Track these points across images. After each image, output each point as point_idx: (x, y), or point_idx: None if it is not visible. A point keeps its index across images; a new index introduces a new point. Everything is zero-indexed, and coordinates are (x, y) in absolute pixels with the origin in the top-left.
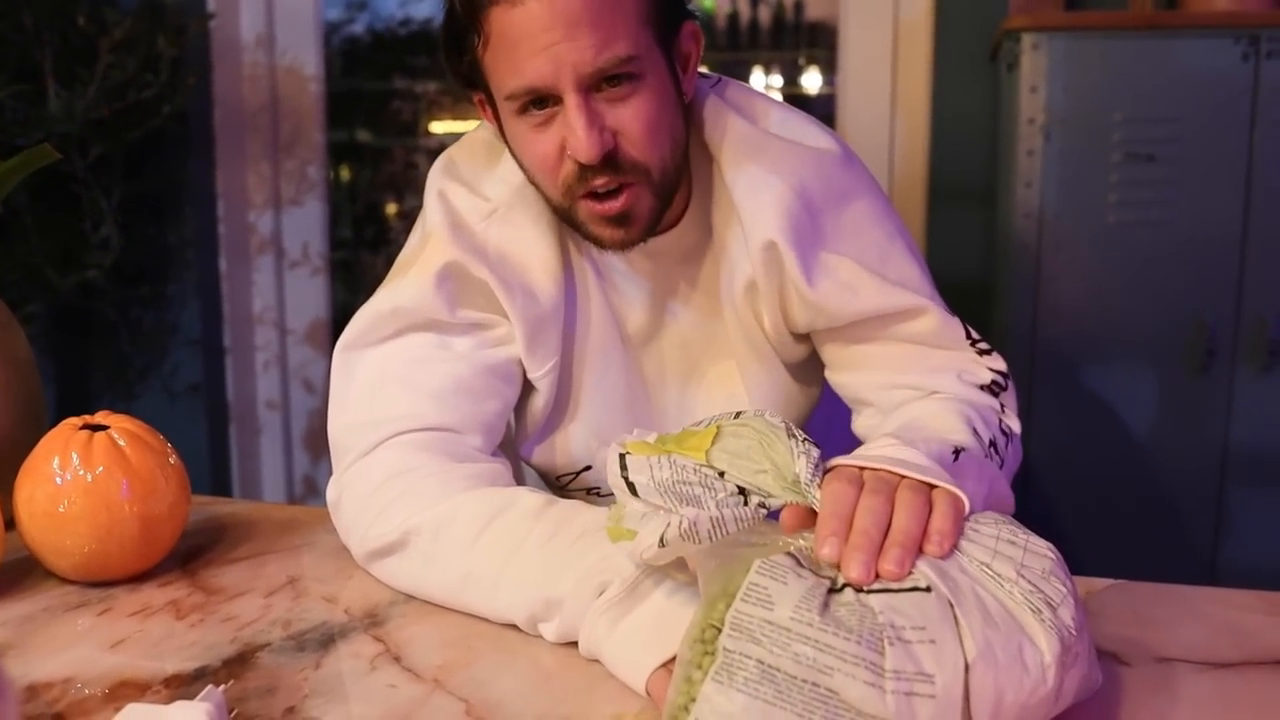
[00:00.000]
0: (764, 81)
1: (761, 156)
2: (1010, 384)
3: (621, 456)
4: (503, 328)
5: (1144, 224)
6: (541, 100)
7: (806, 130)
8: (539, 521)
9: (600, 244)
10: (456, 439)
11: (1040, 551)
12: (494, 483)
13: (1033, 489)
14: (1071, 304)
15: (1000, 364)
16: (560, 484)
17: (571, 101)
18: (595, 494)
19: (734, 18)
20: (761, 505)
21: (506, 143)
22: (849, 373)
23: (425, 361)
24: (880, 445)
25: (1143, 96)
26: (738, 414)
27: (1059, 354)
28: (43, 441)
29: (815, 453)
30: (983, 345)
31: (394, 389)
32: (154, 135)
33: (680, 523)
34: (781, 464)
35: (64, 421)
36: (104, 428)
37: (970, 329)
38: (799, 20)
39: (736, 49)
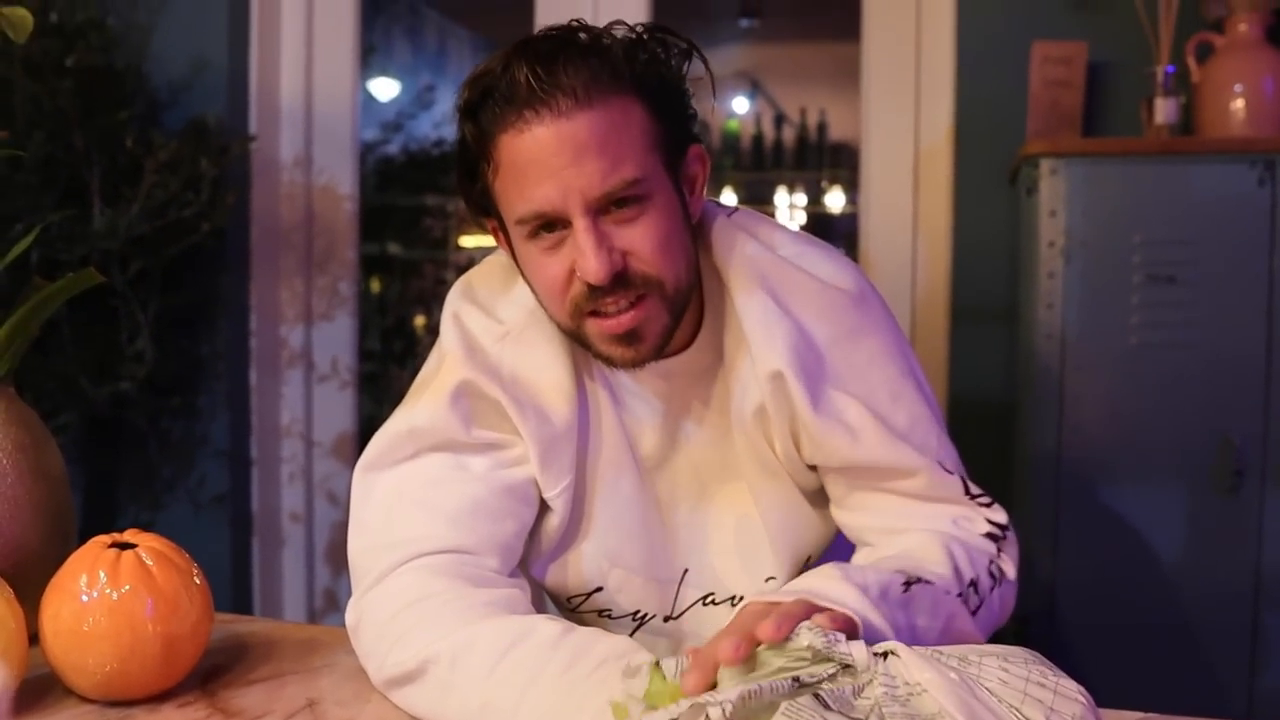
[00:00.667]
0: (788, 200)
1: (772, 283)
2: (1010, 535)
3: None
4: (518, 448)
5: (1167, 345)
6: (551, 224)
7: (823, 262)
8: (557, 651)
9: (611, 363)
10: (473, 561)
11: (1070, 695)
12: (512, 608)
13: (1058, 613)
14: (1096, 425)
15: (1000, 516)
16: (571, 605)
17: (580, 225)
18: (607, 616)
19: (759, 139)
20: (795, 679)
21: (518, 266)
22: (849, 513)
23: (442, 483)
24: (817, 573)
25: (1161, 220)
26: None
27: (1084, 475)
28: (71, 559)
29: (814, 627)
30: (983, 499)
31: (411, 510)
32: (192, 250)
33: (725, 708)
34: (790, 652)
35: (93, 539)
36: (132, 546)
37: (970, 485)
38: (822, 141)
39: (761, 169)
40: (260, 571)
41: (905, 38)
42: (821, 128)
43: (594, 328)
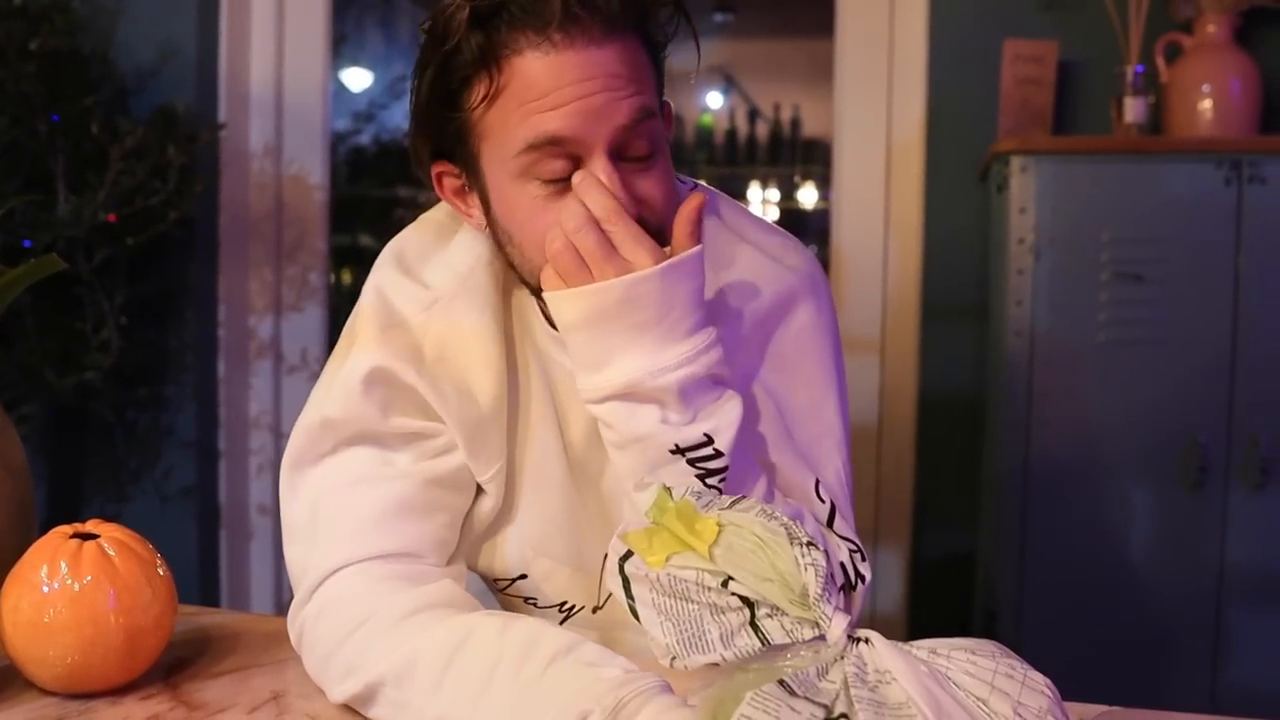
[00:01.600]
0: (761, 195)
1: (726, 266)
2: (858, 593)
3: (622, 570)
4: (444, 435)
5: (1134, 342)
6: (554, 161)
7: (782, 248)
8: (502, 654)
9: None
10: (406, 562)
11: (1037, 688)
12: (450, 601)
13: (1025, 606)
14: (1064, 421)
15: (864, 568)
16: (498, 587)
17: (601, 163)
18: (533, 604)
19: (732, 133)
20: (764, 640)
21: (489, 217)
22: None
23: (366, 481)
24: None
25: (1130, 218)
26: (733, 501)
27: (1052, 470)
28: (32, 549)
29: (822, 562)
30: (852, 544)
31: (337, 515)
32: (159, 239)
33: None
34: (787, 574)
35: (54, 530)
36: (94, 536)
37: (840, 518)
38: (795, 137)
39: (734, 164)
40: (228, 564)
41: (878, 35)
42: (795, 123)
43: None
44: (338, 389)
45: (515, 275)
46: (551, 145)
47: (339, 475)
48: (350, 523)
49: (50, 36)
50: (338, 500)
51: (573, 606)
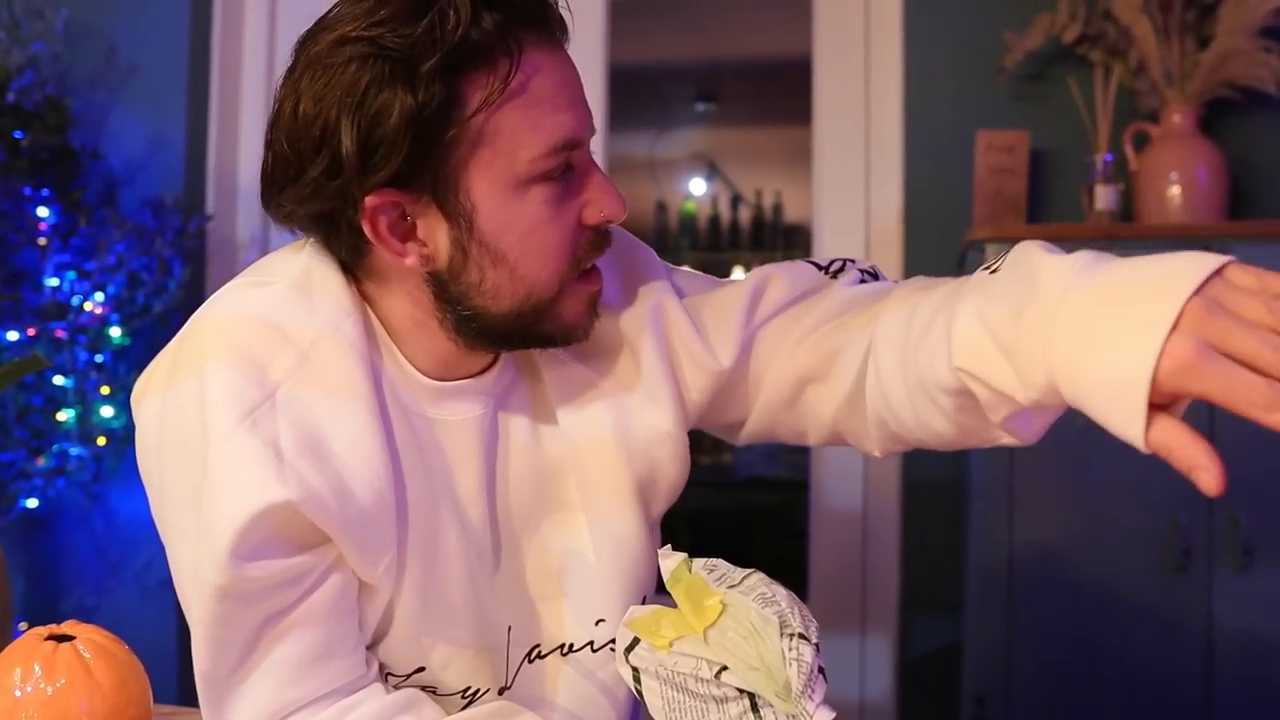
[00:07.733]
0: None
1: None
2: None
3: (629, 661)
4: (330, 550)
5: None
6: (566, 166)
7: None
8: None
9: (574, 337)
10: (332, 697)
11: None
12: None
13: (1013, 694)
14: (1046, 505)
15: (865, 263)
16: (392, 683)
17: (586, 158)
18: (431, 692)
19: (715, 219)
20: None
21: (457, 248)
22: (767, 378)
23: (281, 637)
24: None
25: None
26: (743, 578)
27: (1036, 555)
28: (6, 651)
29: (807, 657)
30: (836, 264)
31: (263, 682)
32: (144, 330)
33: None
34: (772, 666)
35: (30, 631)
36: (70, 638)
37: (817, 261)
38: (777, 222)
39: (718, 249)
40: None
41: (854, 125)
42: (777, 209)
43: (579, 292)
44: (216, 546)
45: (454, 322)
46: (568, 146)
47: (261, 647)
48: (272, 687)
49: (42, 133)
50: (262, 669)
51: (477, 691)
